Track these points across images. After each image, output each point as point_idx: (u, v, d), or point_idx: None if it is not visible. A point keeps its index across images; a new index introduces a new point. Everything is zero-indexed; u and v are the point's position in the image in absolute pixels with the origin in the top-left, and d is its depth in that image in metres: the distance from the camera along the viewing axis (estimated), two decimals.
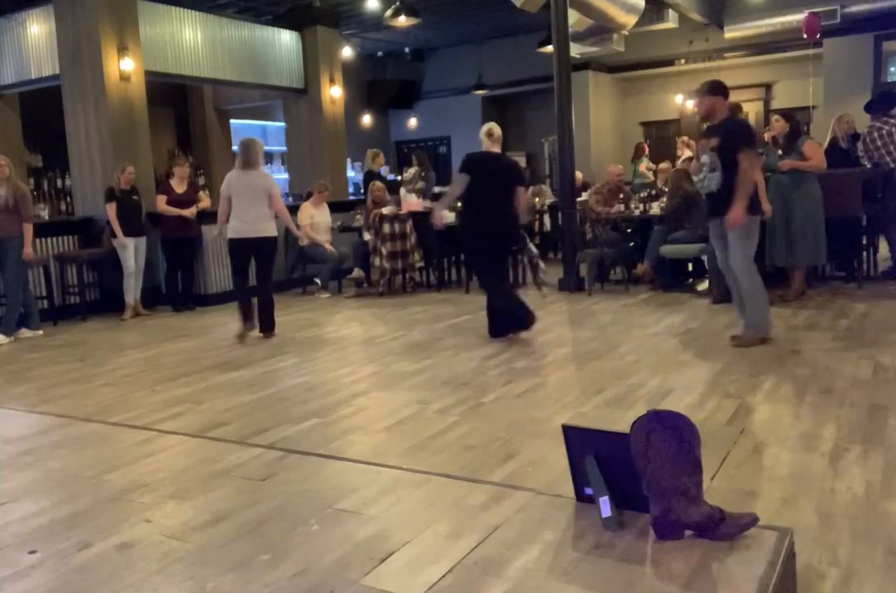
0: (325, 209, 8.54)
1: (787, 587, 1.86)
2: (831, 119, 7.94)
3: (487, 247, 5.49)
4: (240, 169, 5.95)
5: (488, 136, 5.61)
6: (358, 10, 10.98)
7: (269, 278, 6.10)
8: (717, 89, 4.88)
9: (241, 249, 5.93)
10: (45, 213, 8.13)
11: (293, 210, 8.55)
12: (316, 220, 8.33)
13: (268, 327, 6.06)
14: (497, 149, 5.67)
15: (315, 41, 10.08)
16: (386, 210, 8.09)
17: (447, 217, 8.51)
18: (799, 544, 2.00)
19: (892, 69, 12.23)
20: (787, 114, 6.53)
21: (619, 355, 4.88)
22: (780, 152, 6.33)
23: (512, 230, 5.62)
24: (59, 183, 9.75)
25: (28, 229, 6.38)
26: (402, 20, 9.20)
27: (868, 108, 7.32)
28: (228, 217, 5.94)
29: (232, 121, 12.23)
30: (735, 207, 4.68)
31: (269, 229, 5.95)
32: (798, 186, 6.16)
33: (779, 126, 6.33)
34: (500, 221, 5.43)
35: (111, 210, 7.20)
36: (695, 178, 7.59)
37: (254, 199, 5.88)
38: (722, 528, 1.91)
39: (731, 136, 4.76)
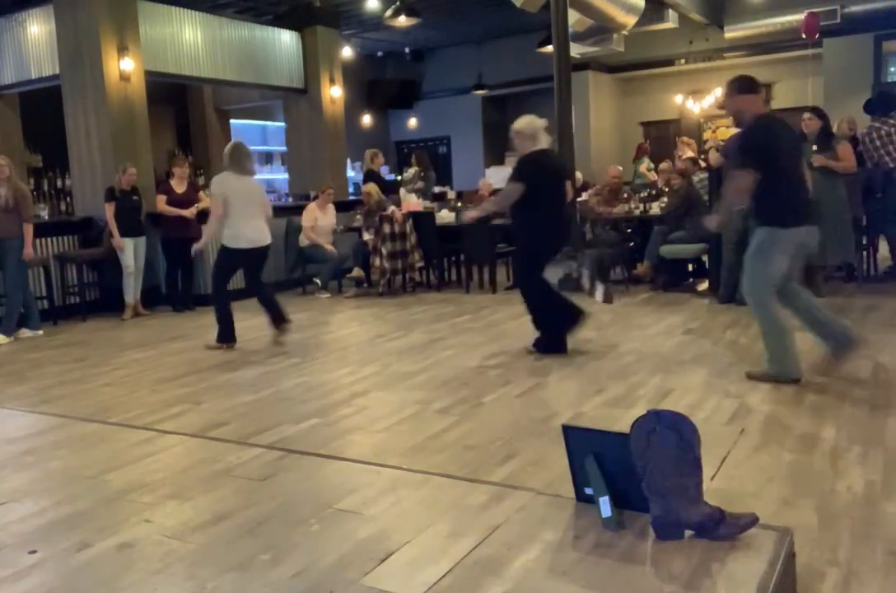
0: (331, 210, 8.54)
1: (787, 587, 1.86)
2: (832, 119, 7.94)
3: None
4: (238, 174, 5.62)
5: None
6: (358, 10, 10.98)
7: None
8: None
9: (247, 259, 5.71)
10: (45, 213, 8.13)
11: (297, 210, 8.58)
12: (320, 224, 8.34)
13: (284, 319, 5.82)
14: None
15: (315, 41, 10.08)
16: (390, 209, 8.10)
17: (448, 217, 8.55)
18: (799, 544, 2.00)
19: (892, 69, 12.23)
20: (819, 111, 6.53)
21: (619, 355, 4.88)
22: (814, 147, 6.33)
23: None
24: (59, 183, 9.75)
25: (28, 229, 6.38)
26: (402, 20, 9.21)
27: (867, 108, 7.33)
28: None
29: (232, 121, 12.24)
30: None
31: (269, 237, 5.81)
32: (828, 184, 6.18)
33: (813, 124, 6.36)
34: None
35: (109, 210, 7.21)
36: (695, 178, 7.60)
37: (258, 207, 5.71)
38: (722, 528, 1.91)
39: None
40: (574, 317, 5.01)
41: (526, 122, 5.03)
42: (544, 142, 5.01)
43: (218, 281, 5.75)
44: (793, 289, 4.17)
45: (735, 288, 6.40)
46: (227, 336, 5.71)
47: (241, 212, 5.58)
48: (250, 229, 5.62)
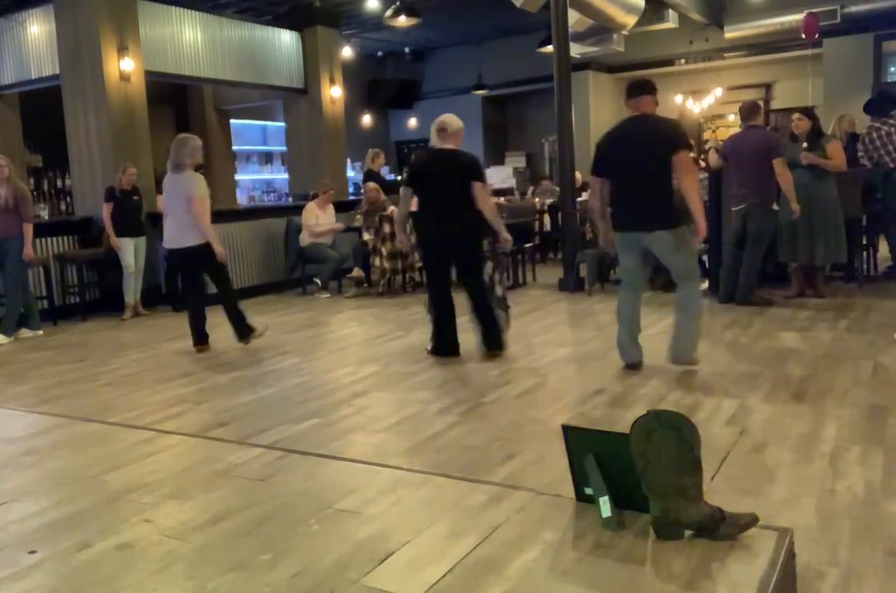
0: (331, 210, 8.54)
1: (787, 587, 1.85)
2: (831, 119, 7.95)
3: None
4: (170, 172, 5.52)
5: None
6: (358, 10, 10.98)
7: (227, 285, 5.72)
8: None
9: (171, 258, 5.71)
10: (45, 213, 8.13)
11: (297, 210, 8.57)
12: (322, 222, 8.34)
13: (244, 334, 5.69)
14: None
15: (315, 41, 10.08)
16: (390, 209, 8.10)
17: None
18: (799, 544, 1.99)
19: (892, 69, 12.23)
20: (808, 112, 6.60)
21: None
22: (804, 145, 6.36)
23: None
24: (59, 183, 9.75)
25: (28, 229, 6.38)
26: (402, 20, 9.21)
27: (867, 108, 7.34)
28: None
29: (232, 121, 12.24)
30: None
31: (193, 239, 5.42)
32: (819, 184, 6.21)
33: (803, 124, 6.44)
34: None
35: (106, 210, 7.21)
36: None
37: (176, 207, 5.44)
38: (722, 528, 1.91)
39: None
40: (444, 344, 5.09)
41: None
42: (439, 141, 5.19)
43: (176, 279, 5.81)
44: (638, 288, 4.60)
45: (734, 288, 6.42)
46: (193, 337, 5.68)
47: (164, 212, 5.63)
48: (169, 229, 5.58)
